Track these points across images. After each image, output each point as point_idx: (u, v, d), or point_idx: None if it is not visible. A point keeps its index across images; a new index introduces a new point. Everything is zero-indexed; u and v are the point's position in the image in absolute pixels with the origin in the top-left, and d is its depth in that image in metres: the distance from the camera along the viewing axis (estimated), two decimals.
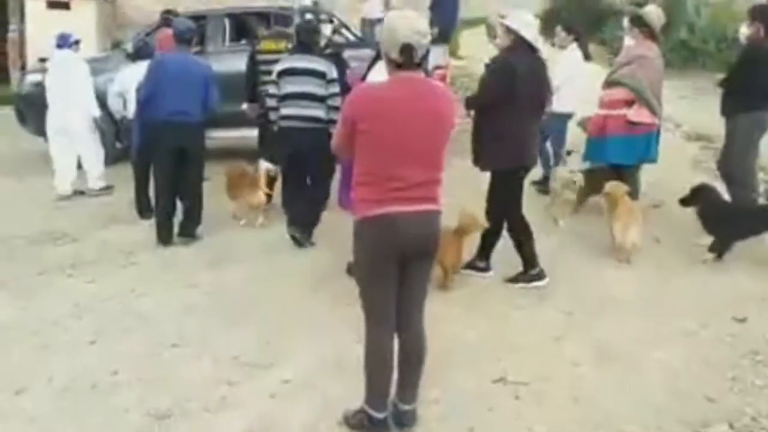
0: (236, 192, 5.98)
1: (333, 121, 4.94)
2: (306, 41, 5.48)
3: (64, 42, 7.00)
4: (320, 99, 5.26)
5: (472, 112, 4.57)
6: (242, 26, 8.48)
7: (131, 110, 6.23)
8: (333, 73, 5.33)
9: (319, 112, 5.26)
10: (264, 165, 5.85)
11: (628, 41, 5.50)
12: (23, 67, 12.86)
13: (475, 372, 3.59)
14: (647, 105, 5.36)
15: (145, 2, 13.37)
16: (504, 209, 4.60)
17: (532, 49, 4.37)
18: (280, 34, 6.38)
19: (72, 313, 4.32)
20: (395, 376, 3.02)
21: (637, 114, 5.36)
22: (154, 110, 5.45)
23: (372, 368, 2.96)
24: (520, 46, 4.34)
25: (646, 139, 5.50)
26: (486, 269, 4.81)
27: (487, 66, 4.56)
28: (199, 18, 8.40)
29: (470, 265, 4.81)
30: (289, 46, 6.12)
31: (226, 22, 8.22)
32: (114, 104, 6.56)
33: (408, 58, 2.75)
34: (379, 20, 7.83)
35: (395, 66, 2.81)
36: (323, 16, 7.79)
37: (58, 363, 3.68)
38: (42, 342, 3.93)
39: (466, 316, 4.25)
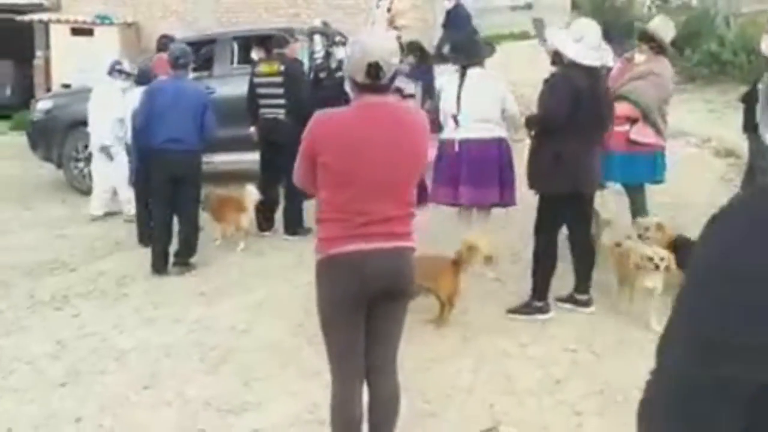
0: (219, 215, 5.89)
1: None
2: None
3: (110, 68, 6.98)
4: None
5: (533, 132, 4.31)
6: (250, 49, 8.36)
7: (129, 136, 6.13)
8: (410, 89, 5.50)
9: None
10: (250, 189, 5.70)
11: (638, 57, 5.14)
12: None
13: (464, 419, 3.29)
14: (652, 125, 4.98)
15: (167, 27, 13.43)
16: (546, 232, 4.28)
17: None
18: (274, 57, 6.22)
19: (50, 353, 4.15)
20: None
21: (640, 133, 4.98)
22: (149, 137, 5.32)
23: (336, 429, 2.67)
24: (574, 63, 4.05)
25: (651, 159, 5.10)
26: (587, 304, 4.40)
27: (546, 81, 4.24)
28: (206, 42, 8.40)
29: (569, 299, 4.43)
30: (282, 68, 5.98)
31: (234, 44, 8.11)
32: (116, 130, 6.47)
33: (374, 79, 2.47)
34: None
35: (360, 89, 2.54)
36: (337, 38, 7.64)
37: (22, 408, 3.49)
38: (11, 385, 3.76)
39: (461, 353, 3.95)
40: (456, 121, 4.88)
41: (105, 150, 6.91)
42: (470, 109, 4.83)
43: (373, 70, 2.45)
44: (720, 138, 8.44)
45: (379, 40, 2.56)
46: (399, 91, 4.88)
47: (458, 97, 4.85)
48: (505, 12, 20.90)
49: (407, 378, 3.53)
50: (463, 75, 4.93)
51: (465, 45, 5.38)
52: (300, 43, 6.91)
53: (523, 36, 14.57)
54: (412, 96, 5.54)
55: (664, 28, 5.17)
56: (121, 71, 6.88)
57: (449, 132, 4.95)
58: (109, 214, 7.12)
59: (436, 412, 3.39)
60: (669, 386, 0.88)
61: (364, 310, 2.60)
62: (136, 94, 6.11)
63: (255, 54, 6.56)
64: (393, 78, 2.60)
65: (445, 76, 5.77)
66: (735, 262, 0.82)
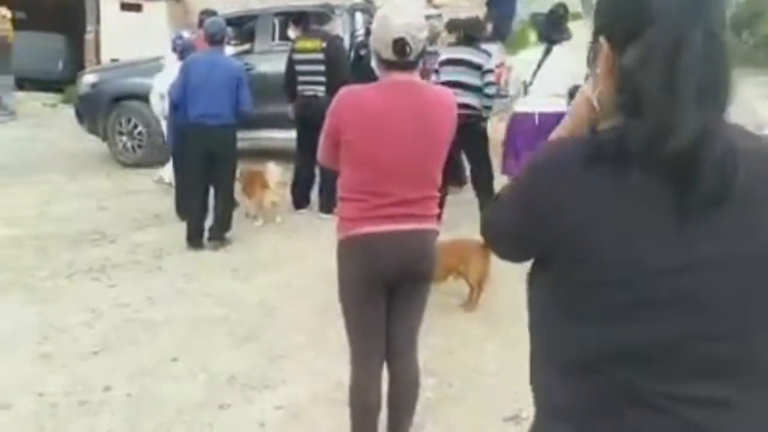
0: (250, 191, 5.93)
1: (488, 108, 5.62)
2: (471, 34, 5.85)
3: (173, 45, 6.89)
4: (475, 89, 5.49)
5: None
6: (294, 24, 8.33)
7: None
8: (490, 64, 5.59)
9: (472, 100, 5.49)
10: (272, 167, 5.73)
11: None
12: None
13: (486, 408, 3.24)
14: None
15: (213, 2, 13.52)
16: None
17: None
18: (315, 33, 6.17)
19: (85, 321, 4.24)
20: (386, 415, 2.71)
21: None
22: (185, 112, 5.35)
23: (355, 411, 2.65)
24: None
25: None
26: None
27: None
28: (248, 18, 8.40)
29: None
30: (324, 45, 5.92)
31: (275, 21, 8.09)
32: (155, 105, 6.54)
33: (400, 56, 2.38)
34: (428, 17, 7.50)
35: (386, 66, 2.45)
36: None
37: (54, 375, 3.58)
38: (46, 351, 3.85)
39: (488, 340, 3.90)
40: (526, 91, 5.25)
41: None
42: (548, 83, 5.16)
43: (399, 46, 2.36)
44: None
45: (405, 15, 2.43)
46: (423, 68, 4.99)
47: (537, 70, 5.21)
48: None
49: (432, 361, 3.52)
50: (548, 50, 5.29)
51: (548, 21, 5.64)
52: (340, 20, 6.83)
53: (575, 17, 14.16)
54: (490, 71, 5.60)
55: None
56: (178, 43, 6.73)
57: (525, 105, 5.28)
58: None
59: (459, 396, 3.35)
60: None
61: (384, 293, 2.56)
62: (175, 69, 6.16)
63: (292, 32, 6.50)
64: (421, 55, 2.52)
65: (522, 52, 5.89)
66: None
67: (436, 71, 5.78)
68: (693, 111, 0.96)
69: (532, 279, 1.17)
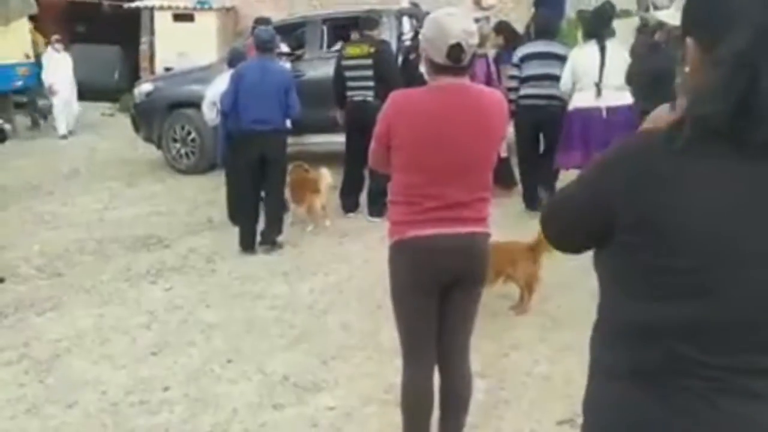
0: (300, 196, 6.01)
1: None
2: (549, 29, 6.21)
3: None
4: (558, 79, 5.73)
5: None
6: (340, 32, 8.43)
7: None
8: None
9: (557, 90, 5.77)
10: (325, 172, 5.77)
11: None
12: None
13: (539, 411, 3.22)
14: None
15: (263, 10, 13.76)
16: None
17: None
18: (362, 39, 6.23)
19: (143, 323, 4.37)
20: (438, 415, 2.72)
21: None
22: (236, 119, 5.47)
23: (407, 412, 2.66)
24: None
25: None
26: None
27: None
28: (297, 25, 8.53)
29: None
30: (372, 50, 5.97)
31: (324, 28, 8.19)
32: (207, 113, 6.68)
33: (455, 61, 2.39)
34: (476, 20, 7.47)
35: (439, 71, 2.45)
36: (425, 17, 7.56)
37: (116, 375, 3.70)
38: (108, 352, 3.99)
39: (540, 344, 3.86)
40: (599, 90, 5.41)
41: None
42: (612, 77, 5.38)
43: (455, 51, 2.36)
44: None
45: (459, 20, 2.43)
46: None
47: (601, 67, 5.38)
48: None
49: (485, 363, 3.52)
50: (603, 47, 5.44)
51: (598, 16, 5.81)
52: (387, 25, 6.88)
53: (625, 14, 13.91)
54: None
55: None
56: (279, 54, 6.77)
57: (591, 100, 5.45)
58: None
59: (511, 399, 3.33)
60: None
61: (437, 296, 2.57)
62: (226, 77, 6.29)
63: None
64: (471, 59, 2.53)
65: (575, 49, 5.92)
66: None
67: (517, 65, 6.07)
68: None
69: (598, 260, 1.24)
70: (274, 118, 5.40)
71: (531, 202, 6.25)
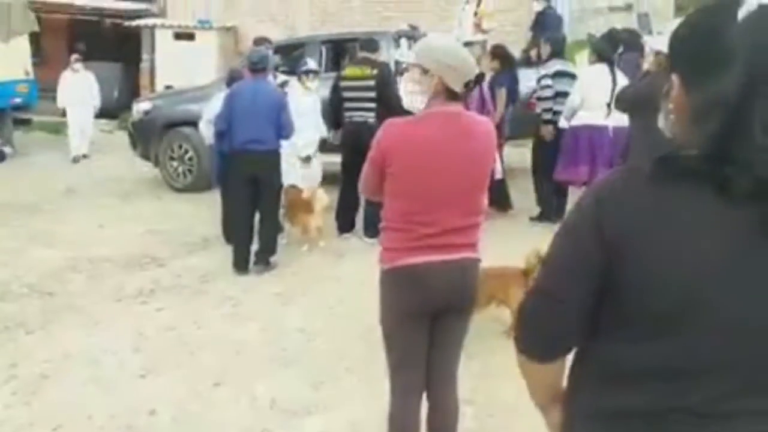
0: (294, 216, 6.03)
1: None
2: (562, 50, 6.58)
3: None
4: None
5: None
6: (339, 53, 8.48)
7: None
8: None
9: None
10: (321, 194, 5.79)
11: None
12: None
13: None
14: None
15: (263, 30, 13.88)
16: None
17: None
18: (363, 61, 6.26)
19: (132, 345, 4.33)
20: None
21: None
22: (230, 139, 5.48)
23: None
24: None
25: None
26: None
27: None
28: (297, 46, 8.58)
29: None
30: (374, 72, 6.00)
31: (323, 48, 8.23)
32: (204, 131, 6.69)
33: (467, 89, 2.48)
34: (470, 43, 7.53)
35: (448, 97, 2.45)
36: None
37: (103, 398, 3.66)
38: (95, 375, 3.94)
39: None
40: (610, 110, 5.67)
41: None
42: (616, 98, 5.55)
43: (472, 82, 2.45)
44: None
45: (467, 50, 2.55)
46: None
47: (613, 88, 5.64)
48: (604, 13, 20.21)
49: (473, 388, 3.48)
50: (613, 70, 5.78)
51: (609, 40, 6.24)
52: (383, 48, 6.91)
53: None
54: None
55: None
56: (308, 72, 6.59)
57: (600, 118, 5.78)
58: None
59: (500, 427, 3.30)
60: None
61: (428, 323, 2.56)
62: (223, 96, 6.31)
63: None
64: None
65: (585, 69, 6.27)
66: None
67: (548, 82, 6.36)
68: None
69: None
70: (267, 138, 5.41)
71: (550, 212, 6.41)
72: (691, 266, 1.03)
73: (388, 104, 5.88)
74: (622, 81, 5.78)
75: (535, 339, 1.24)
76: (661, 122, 1.19)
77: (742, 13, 1.05)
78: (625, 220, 1.07)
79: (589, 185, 1.25)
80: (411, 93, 2.50)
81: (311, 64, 6.77)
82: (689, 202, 1.04)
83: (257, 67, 5.53)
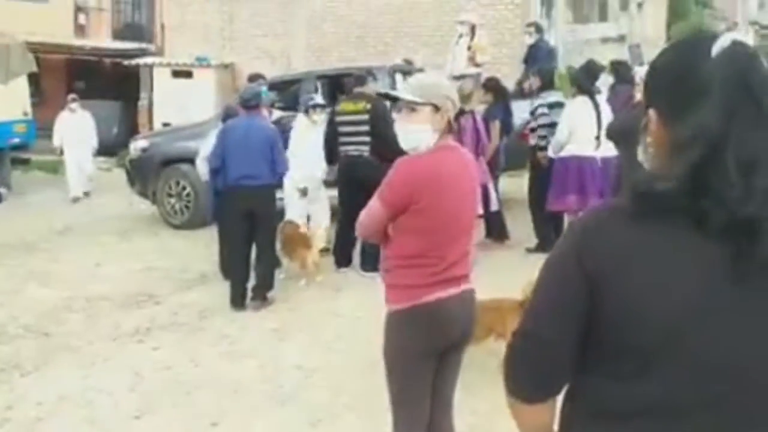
0: (291, 251, 6.00)
1: None
2: (553, 81, 6.68)
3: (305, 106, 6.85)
4: None
5: None
6: (335, 88, 8.55)
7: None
8: None
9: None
10: (321, 233, 5.90)
11: None
12: None
13: None
14: None
15: (260, 67, 14.03)
16: None
17: None
18: (358, 96, 6.32)
19: (128, 384, 4.29)
20: None
21: None
22: (224, 175, 5.52)
23: None
24: None
25: None
26: None
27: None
28: (293, 82, 8.67)
29: None
30: (368, 106, 6.05)
31: (318, 84, 8.30)
32: (201, 168, 6.72)
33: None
34: (463, 76, 7.61)
35: (448, 131, 2.53)
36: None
37: None
38: (91, 416, 3.90)
39: None
40: (599, 142, 5.78)
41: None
42: (603, 129, 5.69)
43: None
44: None
45: None
46: None
47: (598, 121, 5.77)
48: (597, 45, 20.47)
49: (474, 424, 3.44)
50: (595, 102, 5.88)
51: (587, 72, 6.35)
52: (378, 83, 6.97)
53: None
54: None
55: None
56: (315, 106, 6.71)
57: (589, 150, 5.86)
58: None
59: None
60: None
61: (437, 358, 2.55)
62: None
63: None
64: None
65: (568, 103, 6.30)
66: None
67: (545, 111, 6.36)
68: (752, 179, 1.00)
69: None
70: (261, 173, 5.44)
71: (548, 243, 6.38)
72: (669, 302, 1.03)
73: (383, 138, 5.92)
74: (606, 111, 5.89)
75: (523, 380, 1.22)
76: (640, 155, 1.19)
77: (715, 49, 1.07)
78: (605, 256, 1.07)
79: (578, 215, 1.25)
80: (420, 132, 2.48)
81: (318, 98, 6.85)
82: (667, 237, 1.04)
83: (249, 104, 5.60)
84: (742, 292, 1.01)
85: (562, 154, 6.07)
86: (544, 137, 6.36)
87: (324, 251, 6.28)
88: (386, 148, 5.78)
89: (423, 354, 2.49)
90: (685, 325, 1.02)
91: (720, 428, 1.05)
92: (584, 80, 6.18)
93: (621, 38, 19.97)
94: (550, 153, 6.23)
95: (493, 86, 7.00)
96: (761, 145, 1.02)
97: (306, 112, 6.68)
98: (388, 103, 7.15)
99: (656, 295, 1.03)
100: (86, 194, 11.10)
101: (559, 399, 1.25)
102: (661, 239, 1.04)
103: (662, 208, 1.03)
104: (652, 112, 1.13)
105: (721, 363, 1.03)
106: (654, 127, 1.13)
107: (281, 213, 6.68)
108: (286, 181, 6.58)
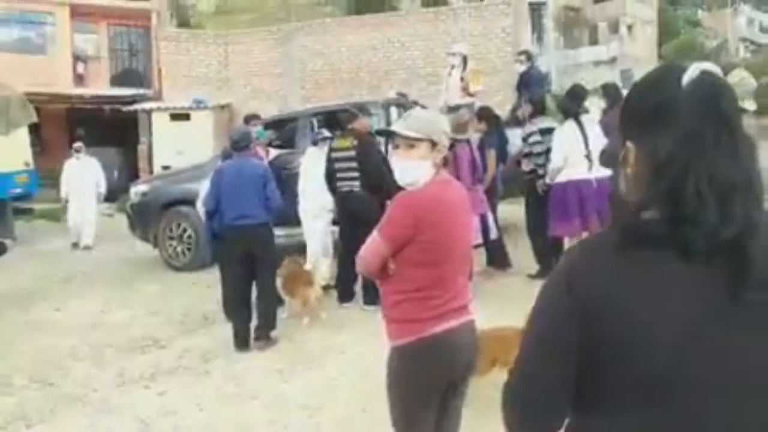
0: (292, 289, 6.00)
1: None
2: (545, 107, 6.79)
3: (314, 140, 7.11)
4: None
5: None
6: (331, 124, 8.63)
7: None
8: None
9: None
10: (323, 270, 5.86)
11: None
12: None
13: None
14: None
15: (257, 106, 14.20)
16: None
17: None
18: (348, 132, 6.45)
19: (135, 431, 4.26)
20: None
21: None
22: (220, 217, 5.56)
23: None
24: None
25: None
26: None
27: None
28: (289, 120, 8.77)
29: None
30: (355, 142, 6.18)
31: (314, 121, 8.39)
32: (200, 209, 6.76)
33: None
34: (458, 107, 7.70)
35: (443, 164, 2.58)
36: (413, 107, 7.79)
37: None
38: None
39: None
40: (591, 164, 5.86)
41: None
42: (594, 151, 5.81)
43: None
44: None
45: None
46: None
47: (585, 142, 5.90)
48: (589, 68, 20.72)
49: None
50: (580, 124, 5.98)
51: (572, 96, 6.44)
52: (373, 117, 7.06)
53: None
54: None
55: (741, 84, 5.04)
56: (324, 138, 6.85)
57: (584, 173, 5.95)
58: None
59: None
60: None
61: (442, 394, 2.54)
62: None
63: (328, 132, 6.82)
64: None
65: (557, 129, 6.34)
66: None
67: (538, 138, 6.39)
68: (727, 204, 1.02)
69: None
70: (256, 212, 5.48)
71: (550, 268, 6.40)
72: (666, 329, 1.04)
73: (370, 174, 6.11)
74: (595, 132, 6.00)
75: (520, 419, 1.21)
76: (621, 186, 1.21)
77: (685, 80, 1.10)
78: (596, 290, 1.09)
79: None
80: (418, 167, 2.50)
81: (326, 132, 6.97)
82: (656, 265, 1.05)
83: (239, 146, 5.68)
84: (735, 314, 1.02)
85: (560, 179, 6.13)
86: (542, 165, 6.40)
87: (327, 288, 6.31)
88: (373, 182, 5.94)
89: (429, 388, 2.48)
90: (685, 350, 1.03)
91: None
92: (569, 104, 6.30)
93: (612, 60, 20.20)
94: (548, 180, 6.26)
95: (487, 115, 7.08)
96: (735, 171, 1.04)
97: (315, 144, 6.87)
98: (381, 139, 7.27)
99: (653, 323, 1.04)
100: (88, 247, 10.88)
101: None
102: (650, 268, 1.05)
103: (647, 237, 1.05)
104: (629, 144, 1.16)
105: (724, 384, 1.04)
106: (632, 158, 1.15)
107: (281, 251, 6.73)
108: (302, 215, 6.71)
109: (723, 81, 1.11)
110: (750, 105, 6.54)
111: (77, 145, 11.39)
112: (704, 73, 1.09)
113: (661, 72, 1.17)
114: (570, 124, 6.08)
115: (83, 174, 11.04)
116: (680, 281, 1.04)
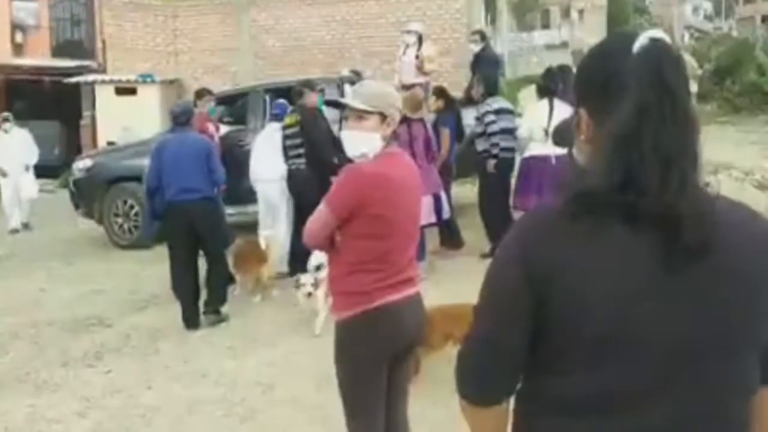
0: (245, 266, 5.93)
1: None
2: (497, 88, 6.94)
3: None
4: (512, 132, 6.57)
5: None
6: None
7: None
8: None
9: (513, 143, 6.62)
10: (279, 239, 5.82)
11: None
12: None
13: None
14: None
15: (207, 82, 13.81)
16: None
17: None
18: (295, 109, 6.45)
19: (78, 411, 4.14)
20: None
21: None
22: (163, 194, 5.42)
23: None
24: None
25: None
26: None
27: None
28: (240, 95, 8.58)
29: None
30: (299, 118, 6.15)
31: (266, 97, 8.22)
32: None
33: None
34: (412, 85, 7.66)
35: (393, 137, 2.56)
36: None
37: None
38: None
39: None
40: (547, 137, 5.94)
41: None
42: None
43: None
44: (763, 170, 8.14)
45: None
46: None
47: (549, 119, 5.98)
48: (542, 51, 20.97)
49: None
50: (551, 103, 6.05)
51: (545, 75, 6.52)
52: (327, 95, 6.96)
53: None
54: None
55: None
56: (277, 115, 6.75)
57: (543, 149, 6.02)
58: None
59: None
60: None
61: (389, 365, 2.53)
62: None
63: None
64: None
65: (529, 106, 6.62)
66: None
67: (492, 118, 6.49)
68: (668, 172, 1.04)
69: None
70: (200, 186, 5.36)
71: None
72: (614, 295, 1.06)
73: (312, 150, 6.13)
74: (561, 111, 5.97)
75: (475, 384, 1.23)
76: (575, 153, 1.22)
77: (635, 47, 1.10)
78: (546, 256, 1.10)
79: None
80: (368, 140, 2.48)
81: (285, 102, 6.86)
82: (603, 232, 1.07)
83: (180, 120, 5.55)
84: (674, 279, 1.05)
85: (525, 154, 6.35)
86: (495, 145, 6.47)
87: (280, 276, 6.19)
88: (316, 157, 5.94)
89: (375, 360, 2.47)
90: (628, 313, 1.05)
91: (678, 415, 1.08)
92: (543, 84, 6.39)
93: (564, 44, 20.49)
94: (517, 154, 6.53)
95: (442, 94, 7.07)
96: (676, 139, 1.06)
97: (274, 119, 6.76)
98: (329, 112, 7.18)
99: (596, 286, 1.06)
100: (25, 226, 10.18)
101: (512, 401, 1.25)
102: (597, 234, 1.07)
103: (595, 204, 1.07)
104: (582, 111, 1.17)
105: (664, 348, 1.06)
106: (584, 125, 1.17)
107: (235, 229, 6.63)
108: (253, 181, 6.73)
109: (670, 48, 1.12)
110: (692, 87, 6.76)
111: (5, 114, 10.46)
112: (654, 40, 1.10)
113: (614, 39, 1.20)
114: (542, 102, 6.19)
115: (13, 148, 10.12)
116: (624, 246, 1.07)
